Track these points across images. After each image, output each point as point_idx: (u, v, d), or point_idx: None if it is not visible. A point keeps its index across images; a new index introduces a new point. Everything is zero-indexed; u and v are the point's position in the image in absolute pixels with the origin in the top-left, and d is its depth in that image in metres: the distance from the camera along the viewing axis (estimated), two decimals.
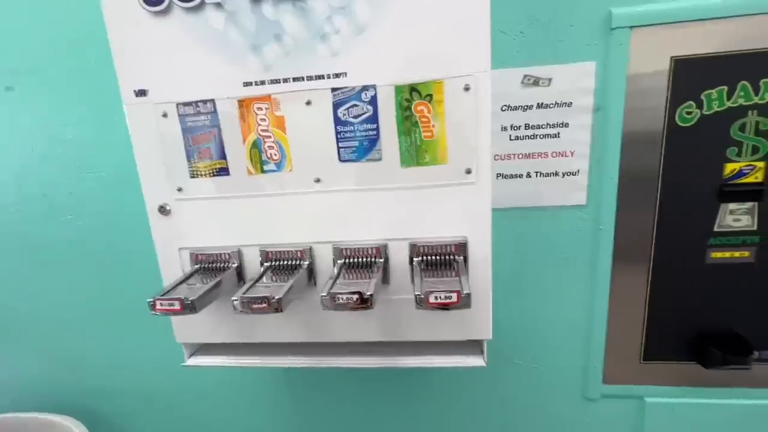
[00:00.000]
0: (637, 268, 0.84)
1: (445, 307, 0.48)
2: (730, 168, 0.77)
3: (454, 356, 0.65)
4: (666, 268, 0.83)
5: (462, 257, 0.59)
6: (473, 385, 0.97)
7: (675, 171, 0.78)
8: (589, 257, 0.85)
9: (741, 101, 0.74)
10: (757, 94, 0.73)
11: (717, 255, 0.81)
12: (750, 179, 0.77)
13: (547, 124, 0.80)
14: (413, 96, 0.55)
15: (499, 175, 0.83)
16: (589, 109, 0.78)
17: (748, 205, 0.78)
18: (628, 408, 0.92)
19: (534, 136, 0.81)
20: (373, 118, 0.57)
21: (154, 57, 0.59)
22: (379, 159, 0.58)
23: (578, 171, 0.81)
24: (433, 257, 0.60)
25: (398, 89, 0.55)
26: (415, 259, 0.61)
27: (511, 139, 0.81)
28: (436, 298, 0.48)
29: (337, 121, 0.57)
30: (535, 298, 0.89)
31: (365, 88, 0.56)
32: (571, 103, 0.78)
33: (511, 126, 0.81)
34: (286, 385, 1.03)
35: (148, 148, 0.61)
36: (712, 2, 0.71)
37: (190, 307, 0.52)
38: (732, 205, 0.79)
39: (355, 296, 0.48)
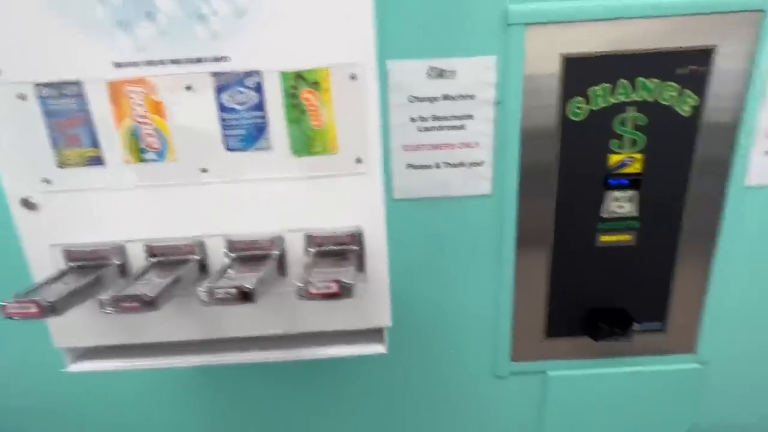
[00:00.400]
0: (538, 253, 0.90)
1: (327, 297, 0.48)
2: (614, 159, 0.84)
3: (355, 345, 0.66)
4: (563, 252, 0.90)
5: (358, 247, 0.60)
6: (389, 371, 0.99)
7: (569, 162, 0.84)
8: (495, 243, 0.89)
9: (621, 98, 0.81)
10: (634, 91, 0.81)
11: (605, 239, 0.89)
12: (630, 170, 0.85)
13: (453, 115, 0.82)
14: (299, 83, 0.54)
15: (409, 165, 0.85)
16: (491, 102, 0.81)
17: (630, 193, 0.86)
18: (533, 382, 1.00)
19: (441, 128, 0.83)
20: (260, 106, 0.55)
21: (7, 31, 0.52)
22: (269, 148, 0.57)
23: (483, 162, 0.85)
24: (329, 248, 0.60)
25: (284, 76, 0.54)
26: (310, 249, 0.60)
27: (419, 130, 0.83)
28: (316, 288, 0.47)
29: (222, 107, 0.55)
30: (447, 284, 0.92)
31: (249, 74, 0.54)
32: (474, 95, 0.81)
33: (420, 117, 0.82)
34: (195, 383, 0.99)
35: (5, 134, 0.55)
36: (596, 3, 0.76)
37: (49, 310, 0.47)
38: (616, 193, 0.86)
39: (234, 290, 0.47)
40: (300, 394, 1.01)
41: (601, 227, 0.88)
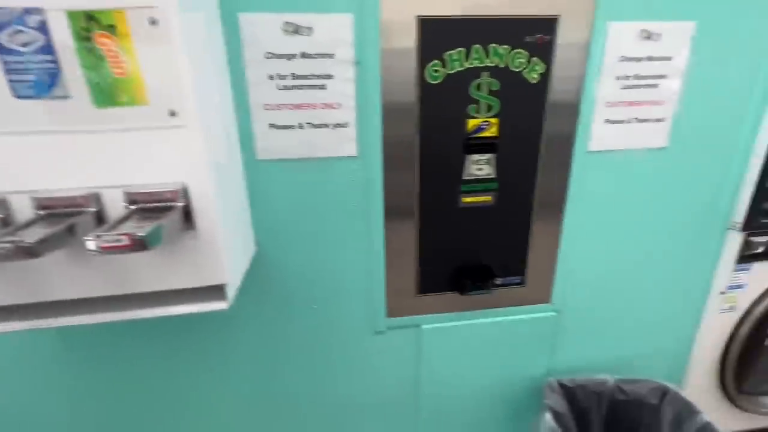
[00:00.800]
0: (406, 214, 0.94)
1: (117, 250, 0.47)
2: (472, 124, 0.89)
3: (196, 303, 0.66)
4: (429, 213, 0.95)
5: (182, 204, 0.59)
6: (266, 329, 1.01)
7: (430, 126, 0.87)
8: (364, 205, 0.92)
9: (476, 63, 0.84)
10: (487, 58, 0.84)
11: (467, 200, 0.95)
12: (487, 134, 0.90)
13: (313, 74, 0.81)
14: (91, 25, 0.50)
15: (272, 125, 0.83)
16: (350, 62, 0.81)
17: (488, 156, 0.92)
18: (409, 336, 1.07)
19: (302, 87, 0.81)
20: (48, 48, 0.50)
21: None
22: (67, 96, 0.52)
23: (347, 123, 0.85)
24: (151, 204, 0.58)
25: (71, 15, 0.49)
26: (130, 207, 0.58)
27: (279, 89, 0.81)
28: (106, 242, 0.46)
29: (1, 49, 0.49)
30: (320, 245, 0.94)
31: (28, 11, 0.49)
32: (333, 54, 0.80)
33: (279, 75, 0.80)
34: (54, 349, 0.95)
35: None
36: None
37: None
38: (475, 156, 0.92)
39: (8, 245, 0.45)
40: (175, 355, 1.01)
41: (464, 189, 0.94)
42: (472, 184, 0.93)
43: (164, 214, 0.56)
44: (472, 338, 1.09)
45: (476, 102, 0.87)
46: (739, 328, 1.18)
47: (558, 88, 0.88)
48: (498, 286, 1.04)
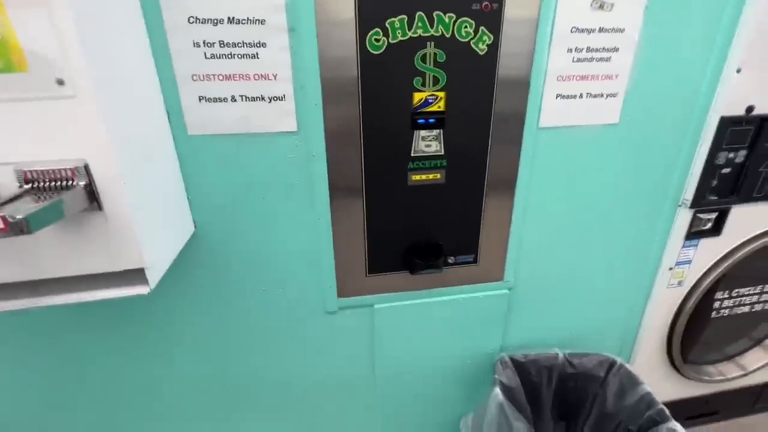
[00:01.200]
0: (353, 193, 0.91)
1: None
2: (417, 97, 0.85)
3: (115, 288, 0.62)
4: (377, 192, 0.92)
5: (83, 183, 0.54)
6: (222, 314, 0.99)
7: (374, 99, 0.83)
8: (307, 183, 0.88)
9: (420, 32, 0.80)
10: (432, 27, 0.80)
11: (416, 178, 0.93)
12: (434, 108, 0.87)
13: (244, 42, 0.75)
14: None
15: (202, 98, 0.77)
16: (284, 29, 0.75)
17: (435, 132, 0.89)
18: (362, 315, 1.06)
19: (232, 56, 0.76)
20: None
21: None
22: None
23: (284, 95, 0.80)
24: (49, 183, 0.54)
25: None
26: (24, 186, 0.53)
27: (207, 58, 0.75)
28: None
29: None
30: (264, 225, 0.91)
31: None
32: (264, 20, 0.74)
33: (205, 42, 0.74)
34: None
35: None
36: None
37: None
38: (423, 132, 0.88)
39: None
40: (118, 342, 0.97)
41: (412, 166, 0.91)
42: (420, 161, 0.91)
43: (62, 193, 0.52)
44: (425, 317, 1.09)
45: (422, 74, 0.82)
46: (686, 302, 1.22)
47: (507, 61, 0.84)
48: (450, 264, 1.03)
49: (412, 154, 0.89)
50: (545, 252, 1.09)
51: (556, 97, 0.91)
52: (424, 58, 0.81)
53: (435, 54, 0.81)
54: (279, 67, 0.77)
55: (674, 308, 1.24)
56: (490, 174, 0.95)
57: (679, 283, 1.20)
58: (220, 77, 0.76)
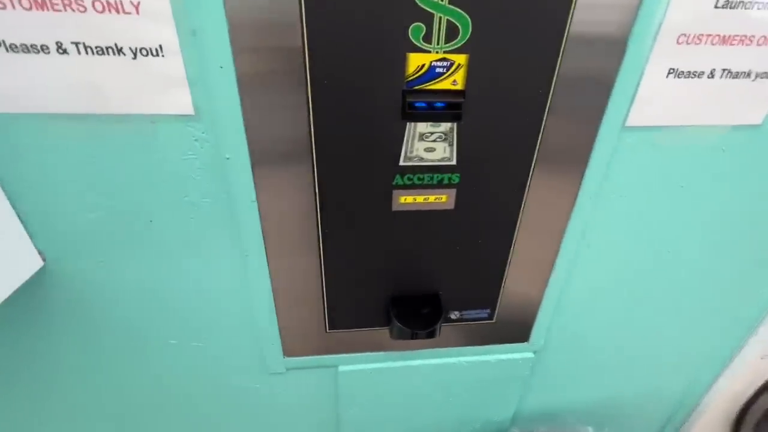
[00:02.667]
0: (301, 217, 0.57)
1: None
2: (415, 62, 0.47)
3: None
4: (341, 217, 0.56)
5: None
6: (124, 376, 0.69)
7: (331, 60, 0.45)
8: (224, 201, 0.54)
9: None
10: None
11: (407, 199, 0.57)
12: (446, 83, 0.48)
13: None
14: None
15: (12, 46, 0.42)
16: None
17: (445, 126, 0.52)
18: (322, 377, 0.74)
19: None
20: None
21: None
22: None
23: (160, 47, 0.43)
24: None
25: None
26: None
27: None
28: None
29: None
30: (165, 260, 0.57)
31: None
32: None
33: None
34: None
35: None
36: None
37: None
38: (422, 126, 0.51)
39: None
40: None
41: (400, 182, 0.55)
42: (414, 174, 0.54)
43: None
44: (412, 383, 0.77)
45: (426, 17, 0.44)
46: None
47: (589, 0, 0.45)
48: (453, 321, 0.70)
49: (401, 162, 0.53)
50: (594, 306, 0.73)
51: (668, 74, 0.51)
52: None
53: None
54: None
55: (758, 383, 0.90)
56: (530, 198, 0.58)
57: None
58: (32, 5, 0.40)
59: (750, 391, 0.91)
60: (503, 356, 0.76)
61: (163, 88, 0.44)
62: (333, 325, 0.67)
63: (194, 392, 0.73)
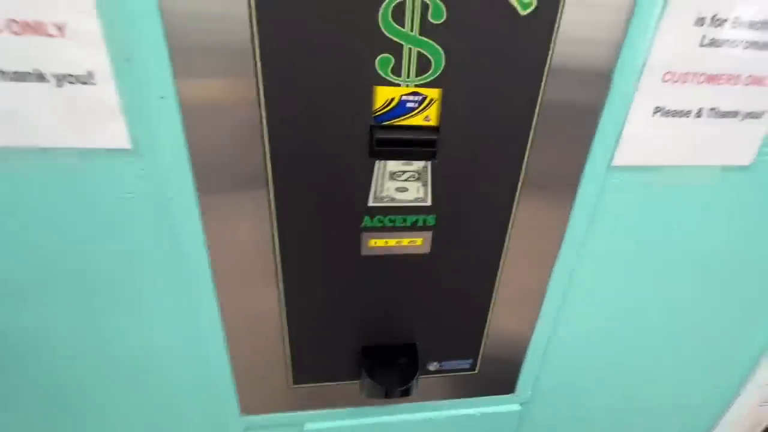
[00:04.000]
0: (258, 260, 0.51)
1: None
2: (383, 96, 0.43)
3: None
4: (304, 262, 0.51)
5: None
6: None
7: (288, 90, 0.40)
8: (170, 242, 0.48)
9: None
10: None
11: (377, 243, 0.52)
12: (418, 119, 0.45)
13: None
14: None
15: None
16: None
17: (417, 165, 0.47)
18: None
19: None
20: None
21: None
22: None
23: (90, 74, 0.39)
24: None
25: None
26: None
27: None
28: None
29: None
30: (106, 312, 0.49)
31: None
32: None
33: None
34: None
35: None
36: None
37: None
38: (393, 165, 0.47)
39: None
40: None
41: (369, 224, 0.50)
42: (386, 216, 0.49)
43: None
44: None
45: (394, 48, 0.40)
46: None
47: (572, 32, 0.42)
48: (431, 372, 0.64)
49: (370, 203, 0.48)
50: (584, 352, 0.68)
51: (654, 113, 0.48)
52: (398, 11, 0.39)
53: (426, 4, 0.39)
54: (68, 7, 0.35)
55: (758, 430, 0.85)
56: (513, 240, 0.54)
57: None
58: None
59: None
60: (487, 409, 0.69)
61: (94, 120, 0.39)
62: (298, 378, 0.60)
63: None
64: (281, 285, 0.51)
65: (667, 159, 0.51)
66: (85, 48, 0.36)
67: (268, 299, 0.52)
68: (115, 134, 0.40)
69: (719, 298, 0.67)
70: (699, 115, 0.49)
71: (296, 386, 0.61)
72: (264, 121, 0.41)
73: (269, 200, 0.45)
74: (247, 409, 0.61)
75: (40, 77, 0.36)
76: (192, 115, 0.39)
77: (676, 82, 0.46)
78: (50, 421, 0.56)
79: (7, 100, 0.37)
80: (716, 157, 0.53)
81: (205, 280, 0.49)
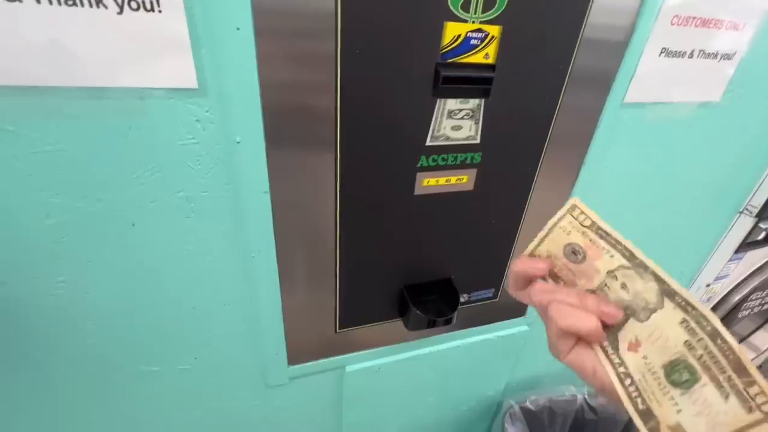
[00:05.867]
0: (318, 207, 0.51)
1: None
2: (452, 32, 0.44)
3: None
4: (361, 206, 0.52)
5: None
6: (135, 403, 0.56)
7: (363, 24, 0.40)
8: (231, 191, 0.46)
9: None
10: None
11: (430, 182, 0.54)
12: (479, 57, 0.47)
13: None
14: None
15: None
16: None
17: (473, 103, 0.50)
18: (325, 382, 0.69)
19: None
20: None
21: None
22: None
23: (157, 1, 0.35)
24: None
25: None
26: None
27: None
28: None
29: None
30: (157, 269, 0.46)
31: None
32: None
33: None
34: None
35: None
36: None
37: None
38: (452, 103, 0.49)
39: None
40: None
41: (425, 164, 0.52)
42: (440, 155, 0.52)
43: None
44: (415, 374, 0.75)
45: None
46: None
47: None
48: (462, 304, 0.70)
49: (427, 143, 0.50)
50: None
51: (660, 53, 0.55)
52: None
53: None
54: None
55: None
56: (541, 176, 0.59)
57: (709, 300, 1.01)
58: None
59: None
60: (502, 332, 0.78)
61: (158, 54, 0.35)
62: (344, 323, 0.62)
63: (180, 419, 0.62)
64: (337, 229, 0.52)
65: (663, 96, 0.60)
66: None
67: (324, 245, 0.53)
68: (181, 72, 0.36)
69: (680, 218, 0.81)
70: (691, 55, 0.57)
71: (341, 331, 0.63)
72: (338, 59, 0.40)
73: (336, 143, 0.45)
74: (293, 359, 0.62)
75: (98, 2, 0.32)
76: (267, 50, 0.37)
77: (680, 25, 0.53)
78: (98, 368, 0.53)
79: (55, 31, 0.32)
80: (697, 95, 0.62)
81: (266, 230, 0.48)
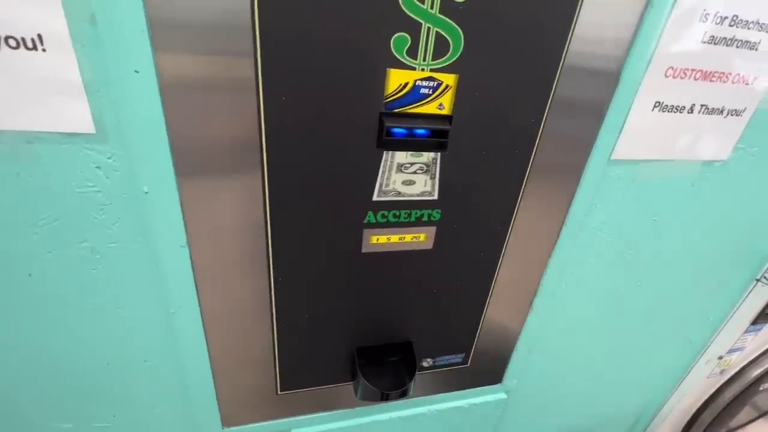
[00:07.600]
0: (247, 261, 0.46)
1: None
2: (396, 79, 0.39)
3: None
4: (299, 261, 0.46)
5: None
6: None
7: (290, 69, 0.35)
8: (144, 243, 0.41)
9: None
10: None
11: (379, 239, 0.48)
12: (431, 107, 0.42)
13: None
14: None
15: None
16: None
17: (427, 157, 0.45)
18: None
19: None
20: None
21: None
22: None
23: (39, 38, 0.31)
24: None
25: None
26: None
27: None
28: None
29: None
30: (60, 320, 0.42)
31: None
32: None
33: None
34: None
35: None
36: None
37: None
38: (401, 156, 0.44)
39: None
40: None
41: (372, 220, 0.47)
42: (390, 212, 0.46)
43: None
44: None
45: (413, 27, 0.37)
46: (722, 392, 0.93)
47: (590, 24, 0.41)
48: (425, 369, 0.62)
49: (375, 197, 0.45)
50: (566, 340, 0.71)
51: (654, 107, 0.49)
52: None
53: None
54: None
55: (704, 397, 0.94)
56: (514, 234, 0.53)
57: (722, 372, 0.90)
58: None
59: (697, 405, 0.95)
60: (476, 400, 0.70)
61: (45, 96, 0.31)
62: (286, 385, 0.55)
63: None
64: (271, 283, 0.46)
65: (658, 153, 0.53)
66: (34, 3, 0.28)
67: (258, 301, 0.47)
68: (74, 115, 0.32)
69: (688, 283, 0.72)
70: (691, 111, 0.50)
71: (284, 393, 0.57)
72: (261, 107, 0.35)
73: (264, 193, 0.40)
74: (229, 420, 0.56)
75: None
76: (173, 93, 0.33)
77: (676, 78, 0.47)
78: (4, 424, 0.48)
79: None
80: (700, 152, 0.55)
81: (186, 284, 0.43)
